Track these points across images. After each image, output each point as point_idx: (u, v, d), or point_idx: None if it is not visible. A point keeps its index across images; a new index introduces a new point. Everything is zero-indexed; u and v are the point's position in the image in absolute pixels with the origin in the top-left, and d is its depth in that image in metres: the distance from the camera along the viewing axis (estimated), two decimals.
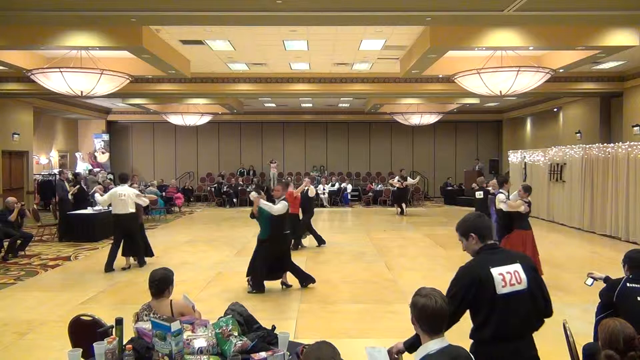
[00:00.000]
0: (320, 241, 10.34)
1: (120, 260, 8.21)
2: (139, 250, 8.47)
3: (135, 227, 8.43)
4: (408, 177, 17.24)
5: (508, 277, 2.52)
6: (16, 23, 8.30)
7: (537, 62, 10.49)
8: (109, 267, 8.03)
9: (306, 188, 10.31)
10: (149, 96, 15.55)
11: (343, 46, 10.80)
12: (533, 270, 2.63)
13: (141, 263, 8.45)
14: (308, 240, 10.54)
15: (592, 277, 4.21)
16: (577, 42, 8.92)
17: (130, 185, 8.75)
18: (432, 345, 2.21)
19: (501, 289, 2.48)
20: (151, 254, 8.76)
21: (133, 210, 8.34)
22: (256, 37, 10.06)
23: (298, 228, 9.71)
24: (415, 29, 9.45)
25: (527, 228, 6.91)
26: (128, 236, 8.32)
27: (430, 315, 2.22)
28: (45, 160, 19.08)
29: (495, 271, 2.52)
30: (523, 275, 2.56)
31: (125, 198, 8.25)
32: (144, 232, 8.93)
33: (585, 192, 12.43)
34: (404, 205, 16.45)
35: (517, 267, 2.58)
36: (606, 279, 3.98)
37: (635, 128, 13.22)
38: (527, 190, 6.96)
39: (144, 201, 8.83)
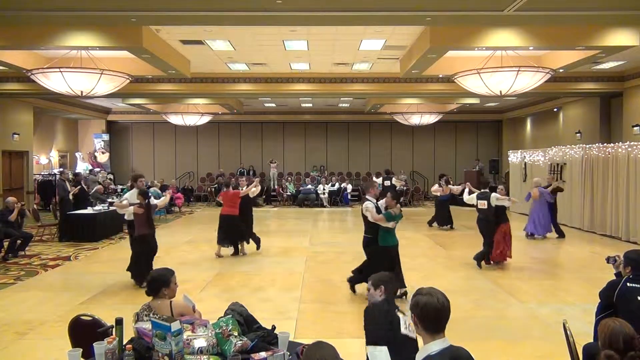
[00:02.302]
0: (259, 245, 9.67)
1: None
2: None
3: (132, 236, 7.54)
4: (394, 177, 16.14)
5: (407, 320, 2.80)
6: (16, 23, 8.29)
7: (537, 62, 10.49)
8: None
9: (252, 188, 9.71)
10: (149, 96, 15.55)
11: (343, 46, 10.80)
12: None
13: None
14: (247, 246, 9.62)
15: (616, 259, 4.04)
16: (577, 42, 8.92)
17: (131, 187, 8.40)
18: (433, 347, 2.20)
19: (404, 330, 2.77)
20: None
21: (129, 218, 7.58)
22: (256, 37, 10.06)
23: (237, 230, 9.22)
24: (415, 29, 9.45)
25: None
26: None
27: (433, 312, 2.22)
28: (45, 160, 19.08)
29: (401, 317, 2.82)
30: None
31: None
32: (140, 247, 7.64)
33: (585, 192, 12.42)
34: None
35: None
36: (617, 274, 3.96)
37: (635, 128, 13.22)
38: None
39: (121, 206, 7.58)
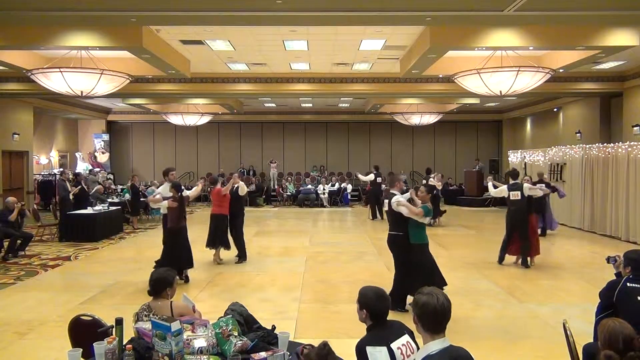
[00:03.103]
0: (242, 256, 8.78)
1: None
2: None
3: (165, 233, 7.45)
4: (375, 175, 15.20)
5: (404, 349, 2.54)
6: (16, 23, 8.29)
7: (537, 62, 10.49)
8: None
9: (235, 186, 8.76)
10: (149, 96, 15.55)
11: (343, 46, 10.79)
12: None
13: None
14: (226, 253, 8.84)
15: (616, 259, 4.04)
16: (577, 42, 8.92)
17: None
18: (433, 346, 2.20)
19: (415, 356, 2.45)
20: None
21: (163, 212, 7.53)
22: (256, 37, 10.06)
23: (227, 230, 8.69)
24: (415, 29, 9.45)
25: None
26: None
27: (432, 312, 2.21)
28: (45, 160, 19.08)
29: (394, 346, 2.50)
30: (414, 345, 2.61)
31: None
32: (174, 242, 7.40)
33: (585, 192, 12.42)
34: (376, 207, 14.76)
35: (406, 338, 2.61)
36: (618, 274, 3.96)
37: (635, 128, 13.22)
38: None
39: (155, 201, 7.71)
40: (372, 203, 15.05)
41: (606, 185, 11.60)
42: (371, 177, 14.94)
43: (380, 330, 2.59)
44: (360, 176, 15.36)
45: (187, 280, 7.29)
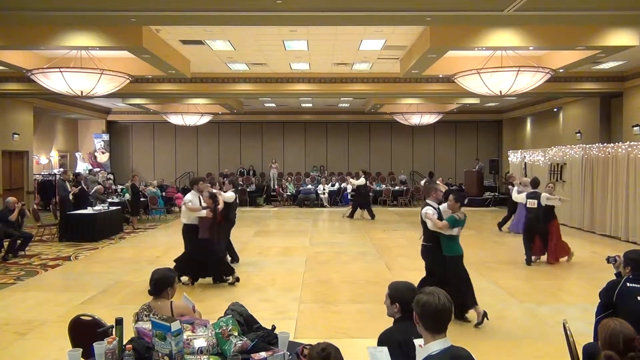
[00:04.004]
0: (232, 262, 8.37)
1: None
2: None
3: (187, 240, 7.35)
4: (360, 177, 15.29)
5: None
6: (16, 23, 8.30)
7: (537, 62, 10.48)
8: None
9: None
10: (149, 96, 15.55)
11: (343, 46, 10.79)
12: None
13: (215, 278, 7.25)
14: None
15: (616, 259, 4.04)
16: (577, 42, 8.92)
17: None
18: (433, 346, 2.20)
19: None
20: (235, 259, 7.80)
21: (186, 221, 7.33)
22: (256, 37, 10.06)
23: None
24: (415, 29, 9.45)
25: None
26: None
27: (433, 312, 2.21)
28: (45, 160, 19.09)
29: (418, 342, 2.51)
30: None
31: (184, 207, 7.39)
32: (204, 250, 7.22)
33: (585, 192, 12.42)
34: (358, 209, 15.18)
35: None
36: (618, 274, 3.96)
37: (635, 128, 13.22)
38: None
39: (188, 212, 7.27)
40: (356, 204, 15.35)
41: (606, 185, 11.60)
42: (362, 180, 15.18)
43: (407, 323, 2.63)
44: (353, 181, 15.49)
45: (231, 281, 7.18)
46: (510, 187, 11.30)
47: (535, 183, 8.96)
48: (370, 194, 17.05)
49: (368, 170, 16.02)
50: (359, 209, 15.28)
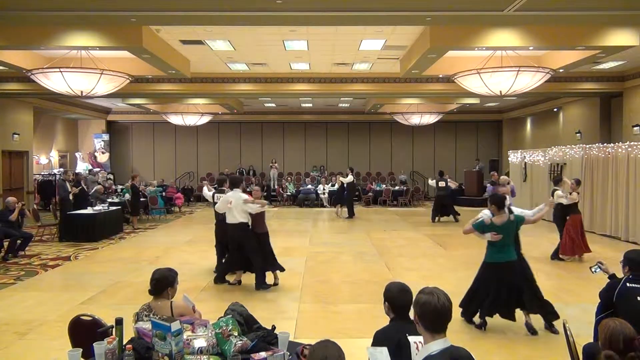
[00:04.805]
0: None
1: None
2: (253, 267, 7.08)
3: (245, 239, 7.05)
4: (348, 175, 15.47)
5: (421, 345, 2.54)
6: (16, 23, 8.30)
7: (537, 62, 10.49)
8: (219, 279, 7.25)
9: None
10: (149, 96, 15.56)
11: (343, 46, 10.80)
12: None
13: (258, 285, 6.93)
14: None
15: (599, 266, 4.10)
16: (577, 42, 8.92)
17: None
18: (433, 346, 2.20)
19: (415, 357, 2.53)
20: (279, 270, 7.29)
21: (243, 220, 7.02)
22: (256, 37, 10.06)
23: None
24: (415, 29, 9.45)
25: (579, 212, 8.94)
26: (238, 249, 7.13)
27: (433, 312, 2.21)
28: (45, 160, 19.09)
29: (413, 339, 2.58)
30: None
31: (231, 206, 7.00)
32: (263, 246, 7.23)
33: (585, 192, 12.41)
34: (340, 207, 15.64)
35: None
36: (612, 276, 3.96)
37: (635, 128, 13.22)
38: (579, 183, 9.01)
39: (252, 208, 7.02)
40: (350, 202, 15.51)
41: (606, 185, 11.60)
42: (350, 178, 15.29)
43: (400, 322, 2.75)
44: (342, 179, 15.53)
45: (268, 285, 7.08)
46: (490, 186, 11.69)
47: (556, 181, 9.33)
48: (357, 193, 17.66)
49: (354, 168, 16.82)
50: (338, 205, 15.79)
